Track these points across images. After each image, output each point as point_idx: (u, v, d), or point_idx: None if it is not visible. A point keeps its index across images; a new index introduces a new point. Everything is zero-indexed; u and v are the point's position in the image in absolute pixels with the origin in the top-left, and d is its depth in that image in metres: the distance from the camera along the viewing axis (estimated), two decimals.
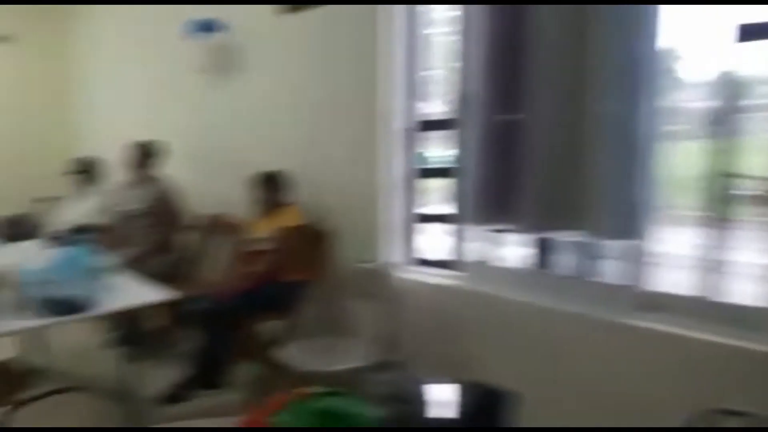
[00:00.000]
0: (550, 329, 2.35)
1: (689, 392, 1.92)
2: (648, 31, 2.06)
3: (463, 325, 2.64)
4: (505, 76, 2.36)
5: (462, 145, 2.61)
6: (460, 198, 2.66)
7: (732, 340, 1.91)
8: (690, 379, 1.96)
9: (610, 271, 2.33)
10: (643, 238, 2.16)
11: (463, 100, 2.56)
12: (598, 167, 2.14)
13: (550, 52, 2.21)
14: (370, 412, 1.38)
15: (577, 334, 2.26)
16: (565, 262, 2.48)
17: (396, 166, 2.99)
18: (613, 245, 2.28)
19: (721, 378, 1.89)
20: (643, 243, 2.18)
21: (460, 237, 2.79)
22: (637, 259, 2.22)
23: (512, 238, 2.62)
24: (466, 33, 2.50)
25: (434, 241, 2.99)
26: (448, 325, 2.68)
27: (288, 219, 3.16)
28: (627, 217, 2.13)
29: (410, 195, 3.04)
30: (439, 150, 2.98)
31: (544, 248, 2.53)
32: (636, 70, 2.06)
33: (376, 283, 2.89)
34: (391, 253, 3.01)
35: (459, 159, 2.64)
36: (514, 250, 2.65)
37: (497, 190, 2.44)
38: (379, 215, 3.01)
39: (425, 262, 3.00)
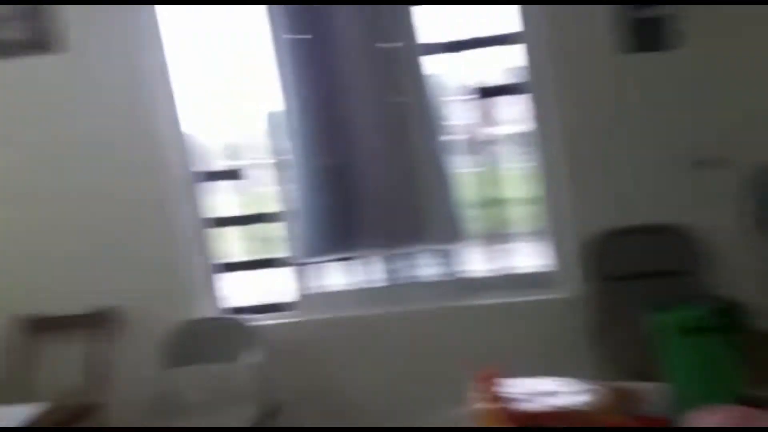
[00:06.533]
0: (401, 330, 2.67)
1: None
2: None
3: (325, 353, 2.71)
4: (327, 121, 2.64)
5: (294, 186, 2.74)
6: (292, 237, 2.81)
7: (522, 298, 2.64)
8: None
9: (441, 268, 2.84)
10: (462, 242, 2.73)
11: (293, 146, 2.68)
12: (425, 191, 2.61)
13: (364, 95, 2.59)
14: None
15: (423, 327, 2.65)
16: (407, 270, 2.87)
17: (188, 218, 2.83)
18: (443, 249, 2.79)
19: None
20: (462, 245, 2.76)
21: (299, 273, 2.89)
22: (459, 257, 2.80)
23: (354, 264, 2.88)
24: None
25: (255, 286, 3.02)
26: (311, 359, 2.71)
27: None
28: (449, 228, 2.66)
29: (206, 245, 2.91)
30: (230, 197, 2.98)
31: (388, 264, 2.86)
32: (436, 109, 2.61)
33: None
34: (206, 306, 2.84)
35: (290, 200, 2.77)
36: (356, 273, 2.90)
37: (334, 223, 2.70)
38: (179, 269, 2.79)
39: (244, 310, 2.91)
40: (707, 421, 0.90)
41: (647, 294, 2.06)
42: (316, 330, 2.75)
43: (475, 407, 1.12)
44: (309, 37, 2.62)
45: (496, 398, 1.09)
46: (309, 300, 2.89)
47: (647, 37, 2.48)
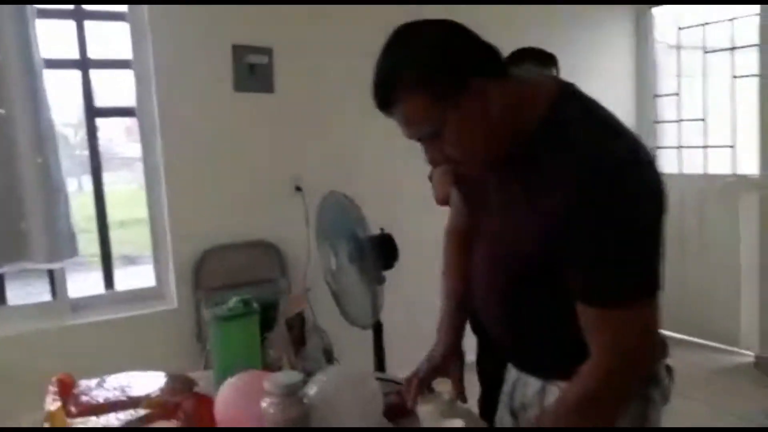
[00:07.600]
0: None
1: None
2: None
3: None
4: None
5: None
6: None
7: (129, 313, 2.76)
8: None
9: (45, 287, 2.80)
10: (70, 258, 2.62)
11: None
12: (31, 210, 2.51)
13: None
14: None
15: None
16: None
17: None
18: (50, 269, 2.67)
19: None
20: (69, 262, 2.65)
21: None
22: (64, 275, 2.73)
23: None
24: None
25: None
26: None
27: None
28: (57, 247, 2.56)
29: None
30: None
31: None
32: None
33: None
34: None
35: None
36: None
37: None
38: None
39: None
40: (228, 385, 1.25)
41: None
42: None
43: (47, 409, 1.26)
44: None
45: (67, 398, 1.26)
46: None
47: (253, 79, 2.92)
